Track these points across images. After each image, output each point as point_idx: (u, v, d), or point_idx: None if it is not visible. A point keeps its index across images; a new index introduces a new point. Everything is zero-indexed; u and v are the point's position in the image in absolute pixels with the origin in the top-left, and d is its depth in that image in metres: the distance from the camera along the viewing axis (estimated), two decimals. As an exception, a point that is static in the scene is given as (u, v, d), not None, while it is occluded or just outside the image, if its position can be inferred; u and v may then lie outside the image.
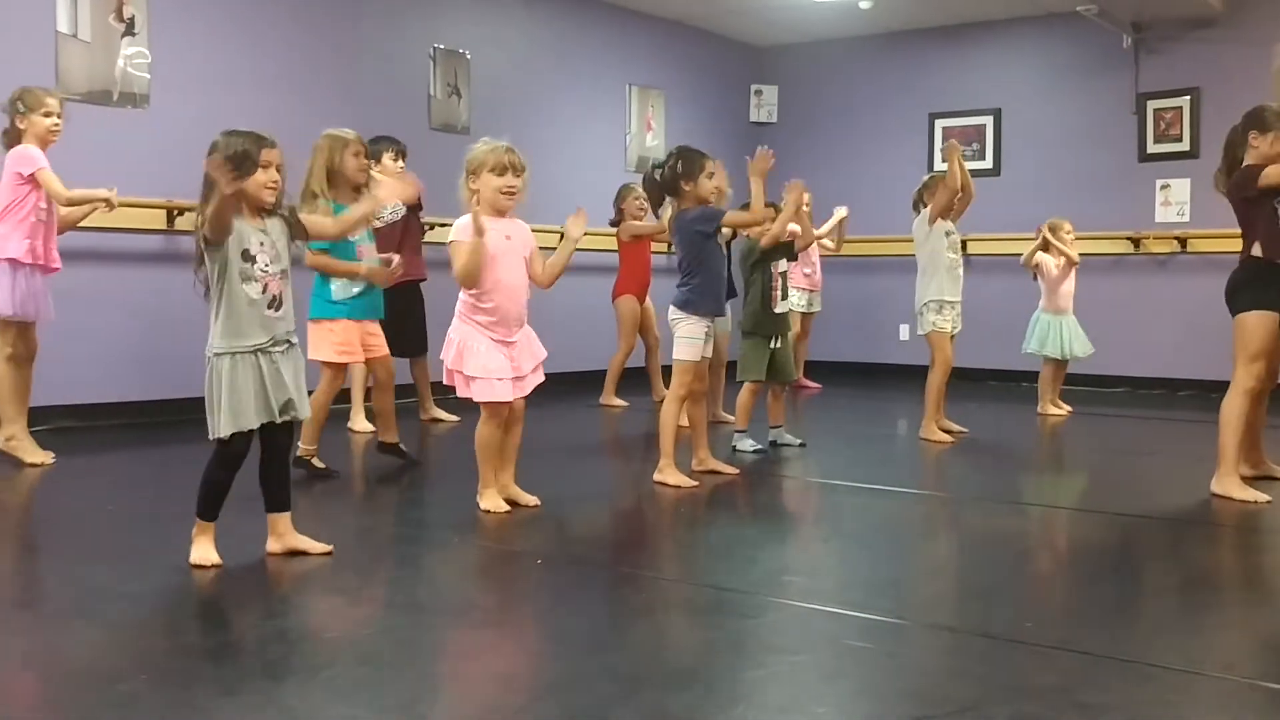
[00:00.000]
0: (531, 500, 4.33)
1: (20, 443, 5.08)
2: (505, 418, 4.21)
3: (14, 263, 4.93)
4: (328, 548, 3.59)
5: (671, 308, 4.87)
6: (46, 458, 5.07)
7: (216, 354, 3.37)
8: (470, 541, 3.90)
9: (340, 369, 4.88)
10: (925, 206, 6.13)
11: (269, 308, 3.40)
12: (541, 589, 3.44)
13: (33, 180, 4.94)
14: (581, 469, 5.43)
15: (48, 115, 4.98)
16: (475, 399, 4.15)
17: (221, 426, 3.34)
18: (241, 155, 3.30)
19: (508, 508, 4.18)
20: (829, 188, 10.05)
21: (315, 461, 4.86)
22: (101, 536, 3.85)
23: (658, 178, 4.88)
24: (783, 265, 5.60)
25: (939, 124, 9.88)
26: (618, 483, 5.28)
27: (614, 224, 7.44)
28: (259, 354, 3.38)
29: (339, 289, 4.79)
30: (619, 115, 9.41)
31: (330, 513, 4.39)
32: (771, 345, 5.57)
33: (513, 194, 4.14)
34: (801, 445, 5.75)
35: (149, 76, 6.42)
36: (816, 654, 2.77)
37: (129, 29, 6.34)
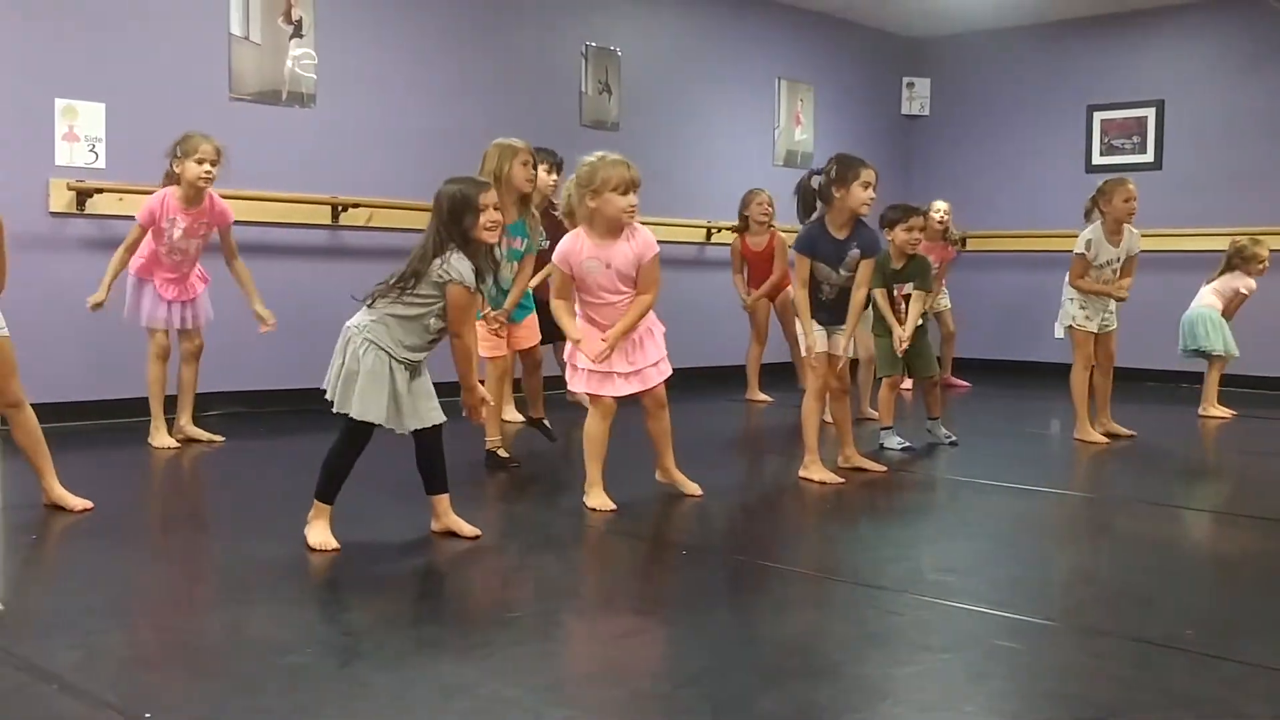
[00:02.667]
0: (693, 488, 4.38)
1: (159, 429, 5.35)
2: (611, 412, 4.22)
3: (141, 281, 5.24)
4: (476, 532, 3.71)
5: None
6: (171, 441, 5.31)
7: (369, 340, 3.54)
8: (617, 531, 3.97)
9: (495, 360, 5.01)
10: (1100, 212, 5.89)
11: (432, 342, 3.64)
12: (686, 580, 3.48)
13: (147, 225, 5.19)
14: (726, 463, 5.46)
15: (200, 161, 5.11)
16: (574, 389, 4.25)
17: (353, 409, 3.53)
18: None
19: (613, 506, 4.15)
20: (982, 181, 9.89)
21: (500, 452, 5.00)
22: (269, 516, 4.02)
23: (815, 185, 4.75)
24: (907, 289, 5.59)
25: (1097, 116, 9.59)
26: (762, 477, 5.30)
27: (737, 230, 7.42)
28: (405, 367, 3.58)
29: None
30: (767, 109, 9.38)
31: (483, 497, 4.52)
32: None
33: (634, 212, 4.10)
34: (953, 444, 5.66)
35: (315, 77, 6.67)
36: (963, 652, 2.75)
37: (297, 31, 6.60)
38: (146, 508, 4.55)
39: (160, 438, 5.31)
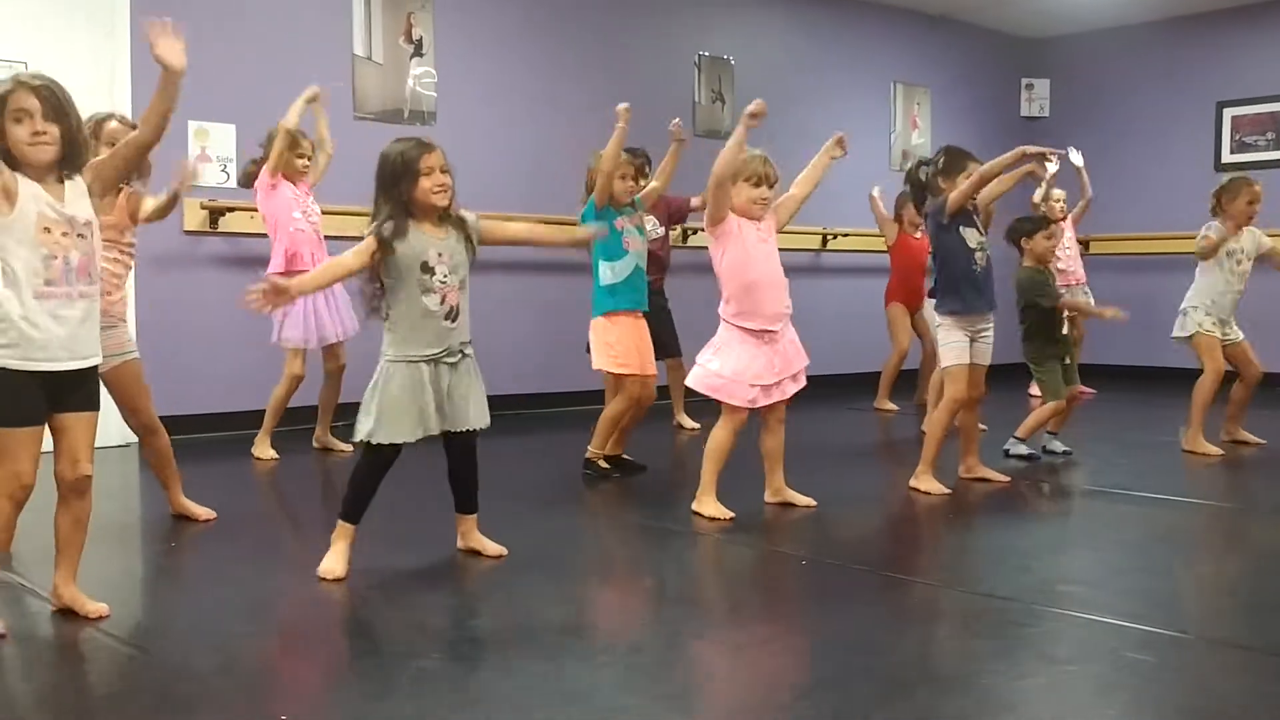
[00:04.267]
0: (806, 501, 4.35)
1: (264, 441, 5.48)
2: (743, 424, 4.20)
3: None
4: (502, 550, 3.62)
5: (934, 311, 4.82)
6: (273, 454, 5.42)
7: (389, 360, 3.39)
8: (735, 541, 3.97)
9: (620, 380, 4.91)
10: (1221, 209, 5.71)
11: (446, 319, 3.39)
12: (806, 590, 3.47)
13: (276, 195, 5.33)
14: (849, 473, 5.41)
15: (300, 156, 5.34)
16: (719, 398, 4.15)
17: (375, 433, 3.36)
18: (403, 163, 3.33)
19: (730, 514, 4.14)
20: (1105, 183, 9.63)
21: (601, 463, 5.01)
22: (395, 523, 4.03)
23: (922, 177, 4.79)
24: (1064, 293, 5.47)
25: (1227, 113, 9.28)
26: (884, 487, 5.23)
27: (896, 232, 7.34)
28: (432, 364, 3.39)
29: (606, 273, 4.84)
30: (883, 114, 9.30)
31: (600, 507, 4.56)
32: (1065, 362, 5.42)
33: (765, 205, 4.16)
34: (1067, 453, 5.54)
35: (435, 95, 6.82)
36: (1092, 665, 2.69)
37: (417, 50, 6.76)
38: (276, 516, 4.70)
39: (263, 449, 5.45)
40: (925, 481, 4.68)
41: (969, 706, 2.42)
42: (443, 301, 3.39)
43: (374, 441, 3.38)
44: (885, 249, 7.41)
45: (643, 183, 5.74)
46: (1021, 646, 2.83)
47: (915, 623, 3.12)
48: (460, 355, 3.46)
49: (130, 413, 4.02)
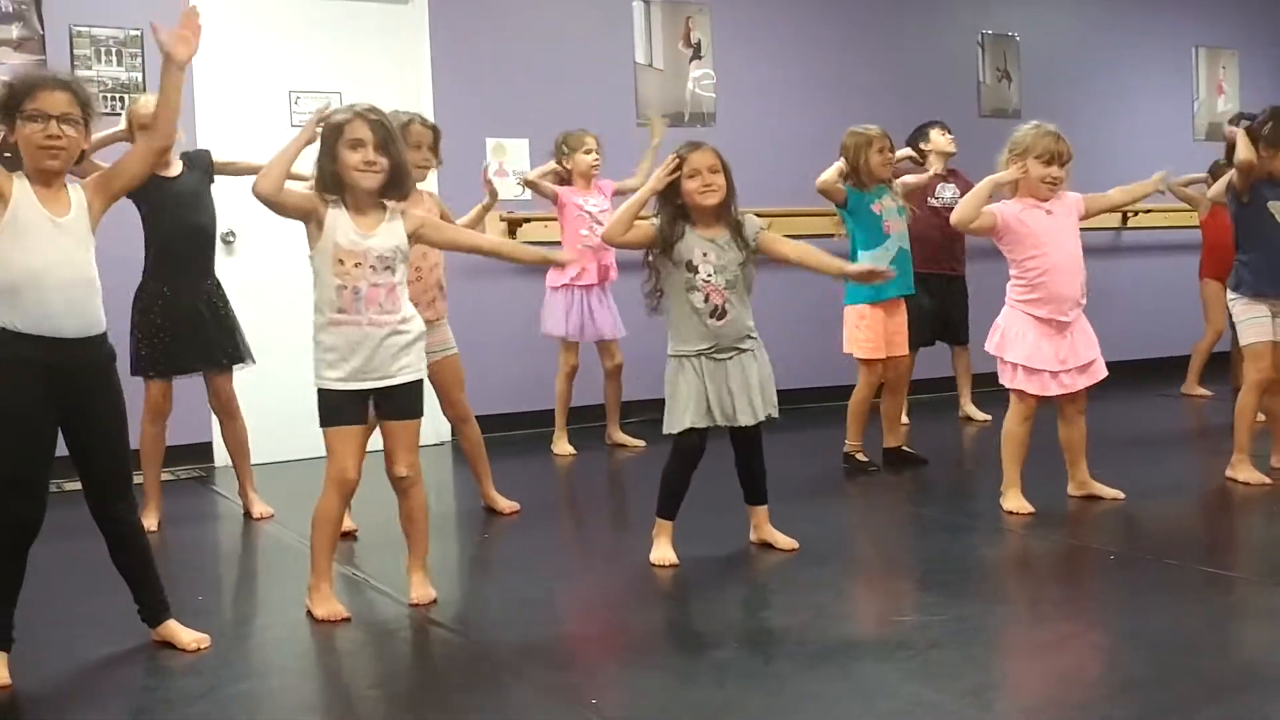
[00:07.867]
0: (1113, 493, 4.18)
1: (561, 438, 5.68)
2: (1031, 411, 4.05)
3: (565, 288, 5.52)
4: (794, 544, 3.65)
5: (1228, 289, 4.50)
6: (570, 449, 5.58)
7: (669, 355, 3.56)
8: (1035, 534, 3.85)
9: (872, 365, 4.89)
10: None
11: (711, 317, 3.48)
12: (1114, 585, 3.33)
13: (565, 210, 5.52)
14: (1159, 462, 5.12)
15: (588, 152, 5.54)
16: (1009, 385, 4.03)
17: (668, 425, 3.54)
18: None
19: (1031, 509, 4.00)
20: None
21: (859, 456, 4.95)
22: (687, 518, 4.09)
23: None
24: None
25: None
26: (1198, 477, 4.92)
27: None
28: (703, 358, 3.49)
29: (866, 260, 4.75)
30: (1184, 82, 8.73)
31: (880, 503, 4.52)
32: None
33: (1056, 185, 4.00)
34: None
35: (714, 96, 6.92)
36: None
37: (696, 53, 6.88)
38: (576, 509, 4.90)
39: (561, 446, 5.67)
40: (1242, 471, 4.40)
41: (1300, 711, 2.27)
42: (706, 300, 3.49)
43: (666, 432, 3.56)
44: (1197, 224, 6.97)
45: (937, 139, 5.72)
46: (1361, 648, 2.63)
47: (1235, 621, 2.95)
48: (734, 352, 3.52)
49: (447, 404, 4.32)
